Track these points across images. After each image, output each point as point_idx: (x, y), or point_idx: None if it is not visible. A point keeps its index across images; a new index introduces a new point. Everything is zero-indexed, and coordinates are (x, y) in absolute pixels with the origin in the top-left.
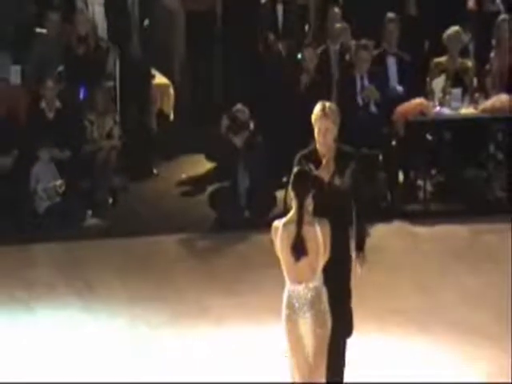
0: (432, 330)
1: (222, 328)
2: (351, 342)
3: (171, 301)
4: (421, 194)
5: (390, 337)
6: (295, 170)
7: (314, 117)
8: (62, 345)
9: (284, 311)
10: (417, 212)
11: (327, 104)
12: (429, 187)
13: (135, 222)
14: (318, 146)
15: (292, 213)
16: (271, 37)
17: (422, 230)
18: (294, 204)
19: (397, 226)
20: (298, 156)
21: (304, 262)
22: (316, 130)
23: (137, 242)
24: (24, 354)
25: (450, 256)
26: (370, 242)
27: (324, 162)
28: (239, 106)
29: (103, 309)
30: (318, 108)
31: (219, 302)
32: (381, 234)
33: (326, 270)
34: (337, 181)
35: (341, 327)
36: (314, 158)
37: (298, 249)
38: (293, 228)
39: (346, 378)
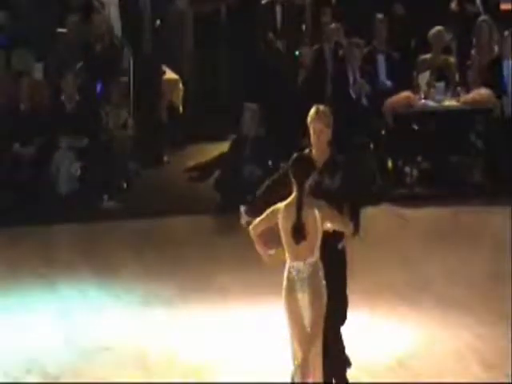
0: (417, 302)
1: (227, 301)
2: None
3: (181, 276)
4: (408, 179)
5: (377, 310)
6: (295, 155)
7: (308, 119)
8: (81, 318)
9: (284, 285)
10: (404, 195)
11: (321, 107)
12: (415, 173)
13: (148, 204)
14: (312, 147)
15: (292, 196)
16: (271, 35)
17: (408, 211)
18: (294, 188)
19: (385, 208)
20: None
21: (303, 244)
22: (311, 131)
23: (149, 223)
24: (46, 327)
25: (434, 235)
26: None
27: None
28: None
29: (118, 284)
30: (312, 111)
31: (224, 278)
32: (370, 215)
33: (323, 260)
34: (327, 181)
35: (335, 314)
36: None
37: (298, 234)
38: (293, 211)
39: None
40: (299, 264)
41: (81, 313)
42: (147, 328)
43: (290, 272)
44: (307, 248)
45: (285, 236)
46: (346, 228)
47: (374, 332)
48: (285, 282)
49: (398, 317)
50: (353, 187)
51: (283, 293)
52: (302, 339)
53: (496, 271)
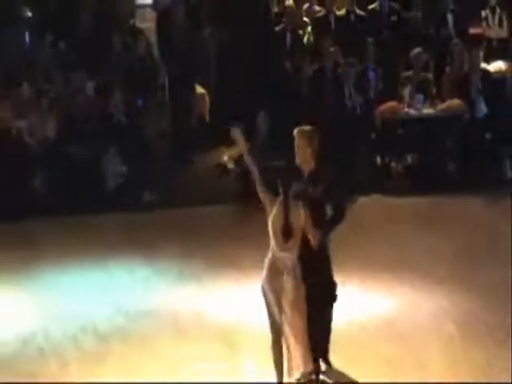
0: (401, 275)
1: (246, 276)
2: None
3: (208, 256)
4: (394, 173)
5: (367, 281)
6: (283, 164)
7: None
8: (128, 289)
9: (266, 273)
10: (390, 187)
11: (303, 128)
12: (400, 168)
13: (181, 196)
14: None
15: (279, 199)
16: (281, 56)
17: (393, 200)
18: (280, 192)
19: (375, 197)
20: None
21: (291, 240)
22: (295, 146)
23: (182, 212)
24: (99, 296)
25: (417, 220)
26: (351, 210)
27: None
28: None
29: (158, 262)
30: (295, 130)
31: (244, 257)
32: (361, 203)
33: (306, 258)
34: (310, 190)
35: (326, 297)
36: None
37: (287, 234)
38: (281, 211)
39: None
40: (284, 255)
41: (128, 285)
42: (181, 297)
43: (273, 261)
44: (293, 242)
45: (273, 232)
46: (311, 235)
47: (364, 299)
48: (266, 270)
49: (385, 286)
50: (333, 198)
51: (263, 279)
52: (281, 323)
53: (469, 250)
